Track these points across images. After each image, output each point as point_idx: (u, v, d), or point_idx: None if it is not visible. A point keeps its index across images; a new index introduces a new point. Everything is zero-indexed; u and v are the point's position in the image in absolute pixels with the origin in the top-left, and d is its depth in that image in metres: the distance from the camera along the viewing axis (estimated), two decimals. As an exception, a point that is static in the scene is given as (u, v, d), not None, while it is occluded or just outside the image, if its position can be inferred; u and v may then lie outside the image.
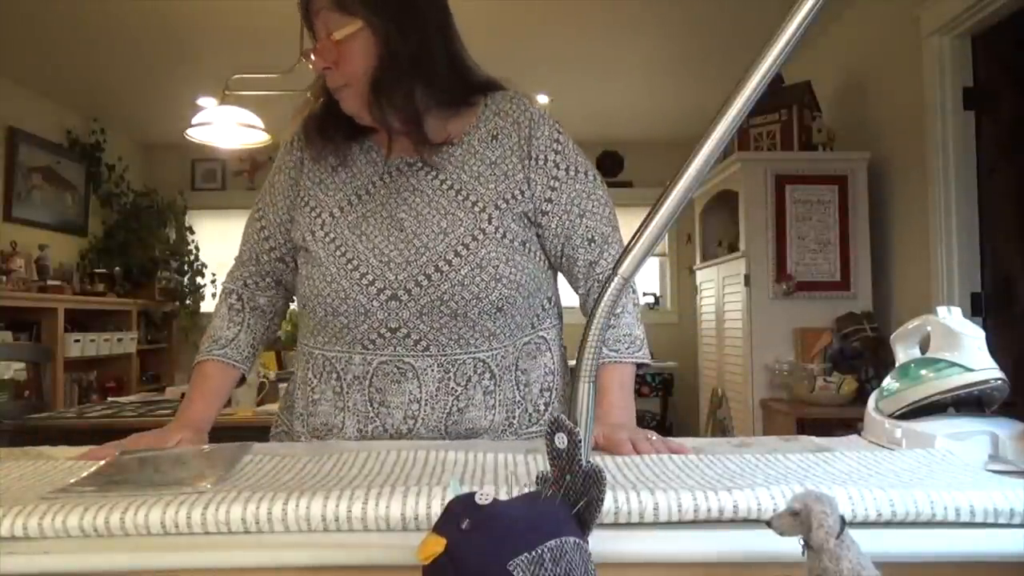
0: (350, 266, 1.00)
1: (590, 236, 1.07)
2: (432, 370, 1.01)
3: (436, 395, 1.01)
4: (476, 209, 1.01)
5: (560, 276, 1.15)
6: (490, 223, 1.01)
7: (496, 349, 1.04)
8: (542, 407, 1.09)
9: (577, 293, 1.11)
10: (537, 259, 1.07)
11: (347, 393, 1.03)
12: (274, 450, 0.85)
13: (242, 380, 1.13)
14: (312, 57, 1.01)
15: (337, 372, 1.04)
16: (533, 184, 1.05)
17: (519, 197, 1.04)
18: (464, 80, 1.07)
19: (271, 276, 1.15)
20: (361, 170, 1.08)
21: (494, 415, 1.04)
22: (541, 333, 1.11)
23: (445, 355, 1.01)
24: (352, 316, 1.00)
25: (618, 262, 0.54)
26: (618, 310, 1.06)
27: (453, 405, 1.01)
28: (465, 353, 1.02)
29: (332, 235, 1.03)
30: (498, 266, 1.00)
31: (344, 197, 1.06)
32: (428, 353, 1.01)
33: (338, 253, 1.02)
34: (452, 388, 1.01)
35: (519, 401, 1.07)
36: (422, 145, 1.02)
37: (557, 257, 1.09)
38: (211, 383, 1.09)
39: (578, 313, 1.00)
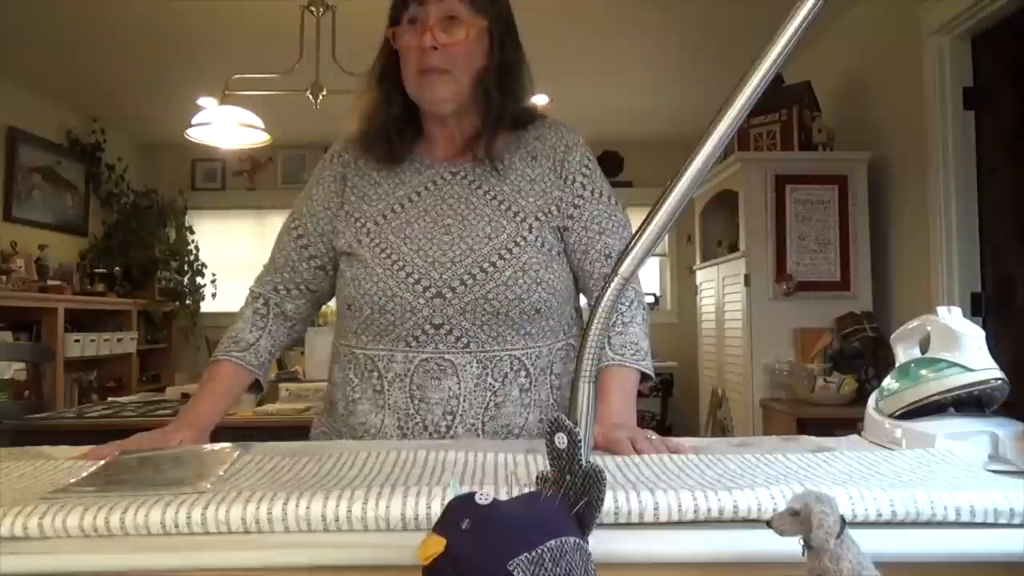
0: (396, 267, 1.05)
1: (607, 252, 1.12)
2: (471, 366, 1.05)
3: (474, 391, 1.05)
4: (518, 219, 1.08)
5: None
6: (530, 232, 1.07)
7: (531, 348, 1.08)
8: None
9: (591, 306, 1.13)
10: (568, 270, 1.13)
11: (388, 391, 1.06)
12: (274, 450, 0.85)
13: (258, 386, 1.14)
14: (414, 29, 1.05)
15: (379, 370, 1.07)
16: (561, 201, 1.11)
17: (554, 212, 1.11)
18: (527, 107, 1.16)
19: (306, 284, 1.18)
20: (405, 180, 1.13)
21: (528, 414, 1.07)
22: (571, 341, 1.15)
23: (484, 351, 1.05)
24: (398, 313, 1.05)
25: (618, 262, 0.54)
26: (627, 319, 1.10)
27: (491, 400, 1.05)
28: (502, 350, 1.06)
29: (377, 240, 1.08)
30: (539, 271, 1.06)
31: (387, 206, 1.11)
32: (468, 350, 1.05)
33: (383, 255, 1.07)
34: (490, 384, 1.05)
35: (552, 405, 1.10)
36: (489, 148, 1.09)
37: (575, 270, 1.14)
38: (222, 384, 1.10)
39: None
